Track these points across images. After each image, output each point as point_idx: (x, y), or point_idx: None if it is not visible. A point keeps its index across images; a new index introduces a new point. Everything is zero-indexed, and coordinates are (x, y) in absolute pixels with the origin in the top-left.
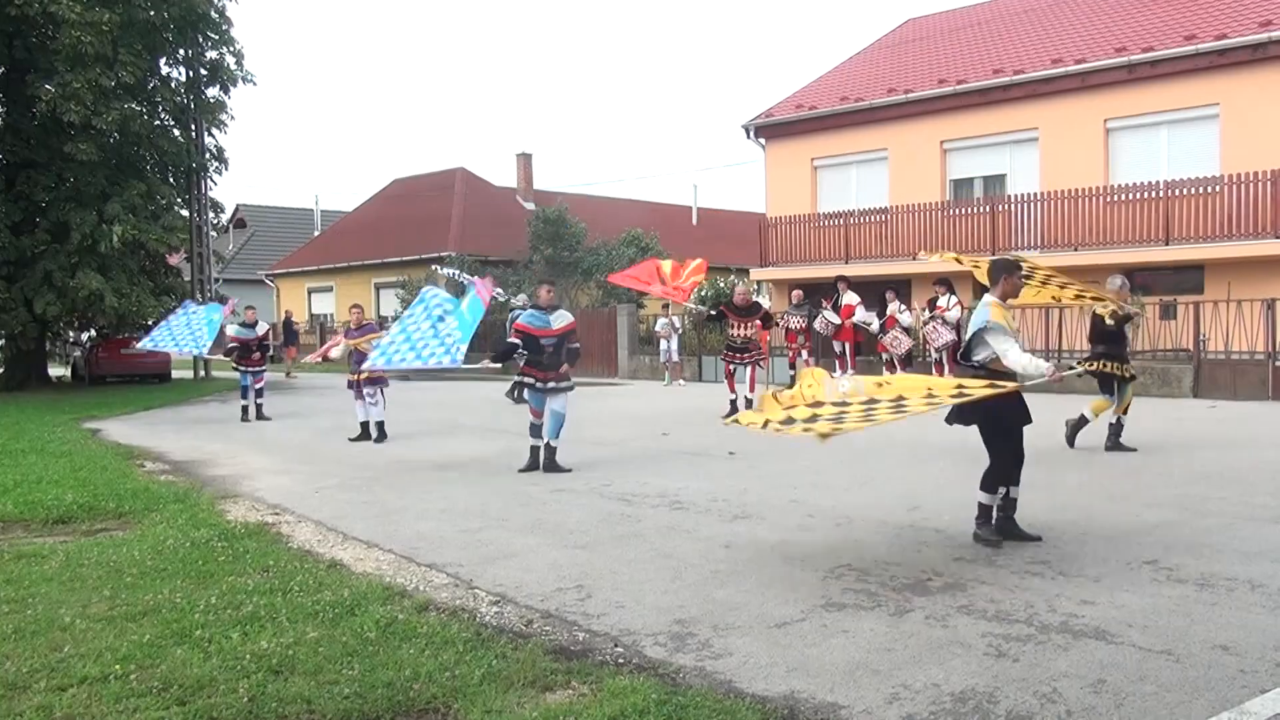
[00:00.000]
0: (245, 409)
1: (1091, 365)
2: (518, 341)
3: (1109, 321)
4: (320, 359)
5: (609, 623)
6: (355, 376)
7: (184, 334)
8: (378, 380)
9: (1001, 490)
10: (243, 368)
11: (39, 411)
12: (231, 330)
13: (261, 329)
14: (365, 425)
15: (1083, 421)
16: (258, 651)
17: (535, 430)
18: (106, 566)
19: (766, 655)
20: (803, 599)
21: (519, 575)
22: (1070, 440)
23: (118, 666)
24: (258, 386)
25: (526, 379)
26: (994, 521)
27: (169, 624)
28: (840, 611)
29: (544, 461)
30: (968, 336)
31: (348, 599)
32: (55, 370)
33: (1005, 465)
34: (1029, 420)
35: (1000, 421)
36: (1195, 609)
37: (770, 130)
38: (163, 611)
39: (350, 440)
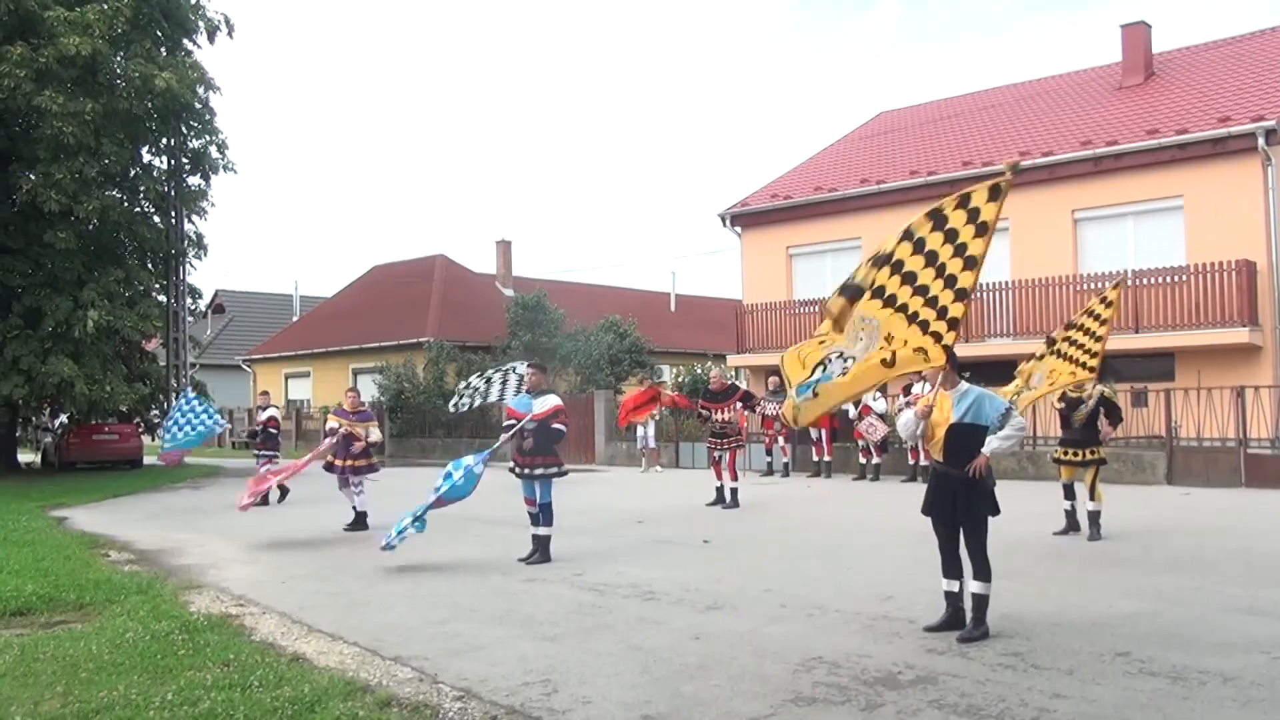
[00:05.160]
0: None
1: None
2: (512, 422)
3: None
4: (319, 458)
5: (574, 719)
6: (340, 461)
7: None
8: (365, 469)
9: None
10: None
11: (5, 499)
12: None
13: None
14: (360, 514)
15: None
16: None
17: (531, 518)
18: (62, 661)
19: None
20: (772, 693)
21: (485, 669)
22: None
23: None
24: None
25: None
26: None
27: None
28: (810, 706)
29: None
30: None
31: (308, 695)
32: (25, 456)
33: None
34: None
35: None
36: (1168, 703)
37: (746, 219)
38: (116, 709)
39: (346, 529)
